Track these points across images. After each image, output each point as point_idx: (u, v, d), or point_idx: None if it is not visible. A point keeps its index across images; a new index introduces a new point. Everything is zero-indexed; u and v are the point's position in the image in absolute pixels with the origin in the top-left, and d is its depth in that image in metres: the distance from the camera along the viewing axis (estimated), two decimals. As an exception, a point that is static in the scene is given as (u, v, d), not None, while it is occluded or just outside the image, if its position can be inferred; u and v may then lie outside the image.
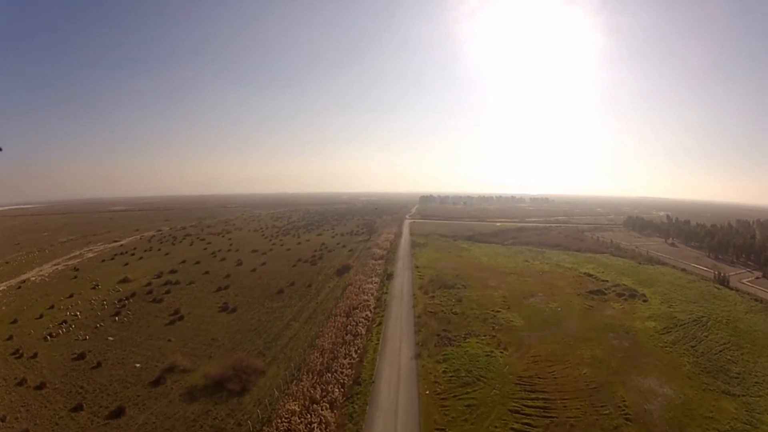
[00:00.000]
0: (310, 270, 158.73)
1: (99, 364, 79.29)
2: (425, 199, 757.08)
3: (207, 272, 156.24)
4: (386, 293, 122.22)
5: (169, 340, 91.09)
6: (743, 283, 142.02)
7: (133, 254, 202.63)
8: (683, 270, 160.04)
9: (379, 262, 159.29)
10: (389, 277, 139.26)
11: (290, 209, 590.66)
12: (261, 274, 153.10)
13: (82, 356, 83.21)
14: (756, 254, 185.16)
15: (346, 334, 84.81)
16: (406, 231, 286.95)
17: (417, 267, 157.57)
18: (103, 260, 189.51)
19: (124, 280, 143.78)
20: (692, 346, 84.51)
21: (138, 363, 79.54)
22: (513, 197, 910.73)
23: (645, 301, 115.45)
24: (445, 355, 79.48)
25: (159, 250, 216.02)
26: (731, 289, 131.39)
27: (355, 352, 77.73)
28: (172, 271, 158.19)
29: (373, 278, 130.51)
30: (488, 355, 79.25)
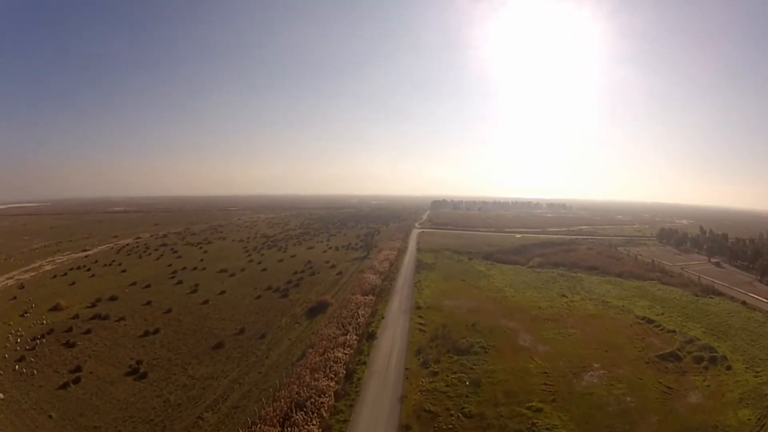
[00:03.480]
0: (277, 305, 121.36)
1: (-22, 434, 59.93)
2: (437, 203, 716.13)
3: (149, 302, 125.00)
4: (364, 363, 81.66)
5: (50, 416, 65.63)
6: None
7: (89, 269, 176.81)
8: (744, 303, 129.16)
9: (368, 298, 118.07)
10: (371, 336, 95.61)
11: (294, 213, 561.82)
12: (210, 311, 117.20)
13: (-34, 418, 62.82)
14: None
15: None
16: (412, 245, 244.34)
17: (418, 307, 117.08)
18: (55, 276, 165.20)
19: (56, 308, 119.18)
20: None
21: (10, 445, 58.64)
22: (529, 203, 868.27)
23: (728, 368, 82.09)
24: None
25: (119, 265, 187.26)
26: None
27: None
28: (112, 298, 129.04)
29: (351, 334, 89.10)
30: None
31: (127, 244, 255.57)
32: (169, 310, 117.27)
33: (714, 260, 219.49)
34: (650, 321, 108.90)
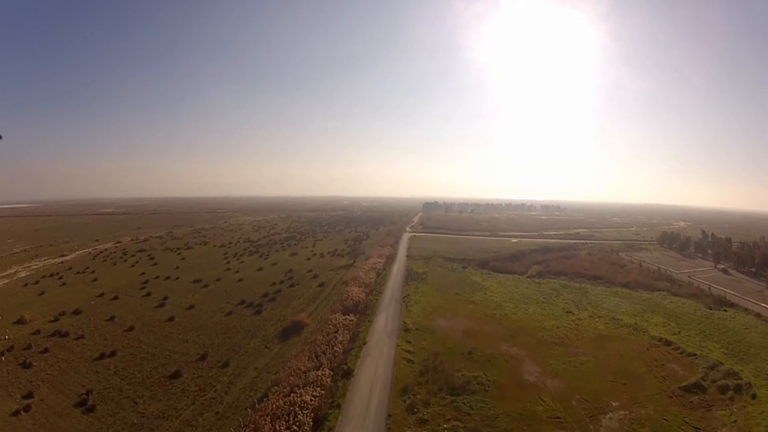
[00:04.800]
0: (247, 324, 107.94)
1: None
2: (429, 205, 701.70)
3: (112, 318, 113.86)
4: (338, 407, 66.86)
5: (1, 446, 59.88)
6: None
7: (61, 277, 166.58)
8: (758, 315, 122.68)
9: (349, 318, 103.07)
10: (348, 373, 79.30)
11: (283, 215, 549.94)
12: (173, 330, 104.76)
13: None
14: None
15: None
16: (402, 251, 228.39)
17: (406, 330, 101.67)
18: (27, 284, 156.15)
19: (20, 321, 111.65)
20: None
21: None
22: (523, 204, 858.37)
23: (753, 396, 74.00)
24: None
25: (92, 272, 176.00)
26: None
27: None
28: (76, 312, 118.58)
29: (324, 368, 74.32)
30: None
31: (106, 249, 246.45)
32: (130, 328, 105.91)
33: (720, 266, 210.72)
34: (668, 342, 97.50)
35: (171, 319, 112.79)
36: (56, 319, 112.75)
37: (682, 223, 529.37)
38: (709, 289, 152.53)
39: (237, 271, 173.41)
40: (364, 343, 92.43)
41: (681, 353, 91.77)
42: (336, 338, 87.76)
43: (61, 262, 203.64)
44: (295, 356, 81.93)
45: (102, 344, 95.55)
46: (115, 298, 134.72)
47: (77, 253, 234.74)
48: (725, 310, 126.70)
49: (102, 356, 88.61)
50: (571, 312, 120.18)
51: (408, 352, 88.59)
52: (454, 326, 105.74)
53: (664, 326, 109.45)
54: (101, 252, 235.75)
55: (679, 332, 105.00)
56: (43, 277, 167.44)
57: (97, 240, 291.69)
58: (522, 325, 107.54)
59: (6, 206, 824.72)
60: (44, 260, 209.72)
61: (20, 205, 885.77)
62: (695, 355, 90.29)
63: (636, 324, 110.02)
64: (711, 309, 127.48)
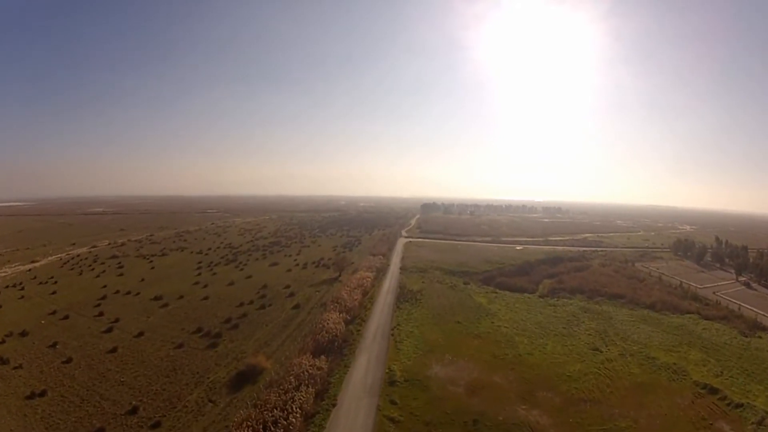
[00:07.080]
0: (196, 363, 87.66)
1: None
2: (428, 207, 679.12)
3: (55, 344, 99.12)
4: None
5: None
6: None
7: (23, 288, 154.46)
8: None
9: (320, 362, 79.43)
10: None
11: (275, 216, 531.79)
12: (113, 366, 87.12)
13: None
14: None
15: None
16: (395, 261, 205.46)
17: (392, 382, 78.19)
18: None
19: None
20: None
21: None
22: (523, 206, 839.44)
23: None
24: None
25: (55, 283, 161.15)
26: None
27: None
28: (23, 333, 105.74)
29: None
30: None
31: (78, 255, 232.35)
32: (69, 359, 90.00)
33: (742, 279, 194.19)
34: (713, 390, 79.57)
35: (114, 350, 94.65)
36: (3, 341, 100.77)
37: (688, 227, 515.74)
38: (739, 309, 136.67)
39: (205, 286, 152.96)
40: (334, 405, 69.62)
41: (728, 404, 75.12)
42: (294, 402, 65.16)
43: (29, 270, 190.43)
44: (237, 427, 60.19)
45: (36, 378, 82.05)
46: (66, 317, 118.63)
47: (49, 258, 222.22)
48: (760, 337, 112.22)
49: (32, 395, 75.33)
50: (598, 349, 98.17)
51: (391, 421, 65.04)
52: (455, 376, 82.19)
53: (704, 365, 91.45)
54: (73, 258, 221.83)
55: (722, 373, 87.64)
56: (7, 287, 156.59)
57: (73, 244, 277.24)
58: (541, 372, 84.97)
59: (2, 204, 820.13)
60: (14, 267, 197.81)
61: (17, 204, 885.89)
62: (742, 405, 74.50)
63: (674, 364, 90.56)
64: (746, 336, 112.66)
